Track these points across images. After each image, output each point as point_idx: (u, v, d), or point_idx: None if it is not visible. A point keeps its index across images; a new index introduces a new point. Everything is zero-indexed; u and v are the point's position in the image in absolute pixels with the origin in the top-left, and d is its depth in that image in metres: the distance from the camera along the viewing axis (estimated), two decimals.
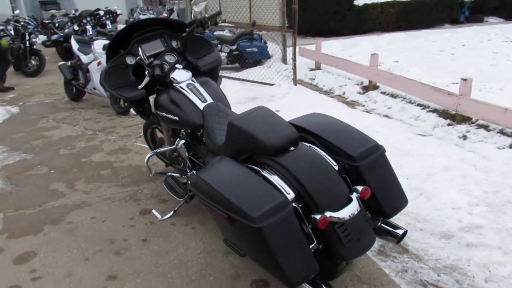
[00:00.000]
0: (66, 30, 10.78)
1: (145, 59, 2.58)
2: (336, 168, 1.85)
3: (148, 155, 2.93)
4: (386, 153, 1.95)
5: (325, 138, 1.94)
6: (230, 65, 8.53)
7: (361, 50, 8.45)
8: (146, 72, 2.53)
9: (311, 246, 1.70)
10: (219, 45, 8.40)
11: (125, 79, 2.63)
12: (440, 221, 2.61)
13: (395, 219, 2.56)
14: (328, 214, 1.65)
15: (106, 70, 2.62)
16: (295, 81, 6.20)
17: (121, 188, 3.27)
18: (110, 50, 2.70)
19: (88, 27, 10.01)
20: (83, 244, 2.53)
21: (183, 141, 2.65)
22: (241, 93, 6.22)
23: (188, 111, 2.47)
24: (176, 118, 2.49)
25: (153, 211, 2.82)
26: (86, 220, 2.81)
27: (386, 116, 4.90)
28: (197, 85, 2.58)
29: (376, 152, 1.87)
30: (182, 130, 2.66)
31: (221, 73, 7.56)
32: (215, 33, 8.64)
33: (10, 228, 2.75)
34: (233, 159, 2.02)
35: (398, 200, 1.90)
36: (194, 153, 2.68)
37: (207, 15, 2.96)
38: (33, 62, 8.50)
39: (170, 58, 2.74)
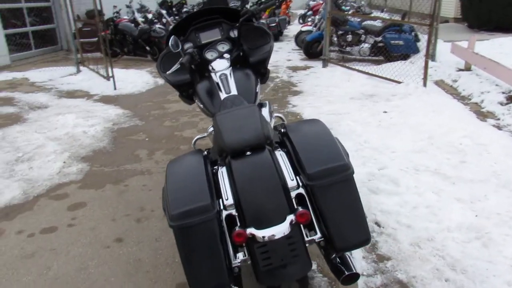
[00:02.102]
0: None
1: (180, 47, 2.68)
2: (293, 183, 1.64)
3: (195, 138, 3.08)
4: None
5: (296, 149, 1.74)
6: (373, 57, 8.01)
7: None
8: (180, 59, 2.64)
9: (239, 260, 1.58)
10: (363, 36, 7.97)
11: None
12: (483, 277, 2.04)
13: (421, 258, 2.16)
14: (250, 230, 1.51)
15: (163, 54, 2.83)
16: (425, 82, 5.46)
17: None
18: (170, 37, 2.89)
19: None
20: (120, 206, 2.88)
21: (211, 128, 2.71)
22: (361, 88, 5.83)
23: (211, 101, 2.49)
24: (201, 105, 2.56)
25: None
26: (138, 186, 3.17)
27: None
28: (229, 76, 2.57)
29: (339, 174, 1.58)
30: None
31: (356, 65, 7.17)
32: (364, 23, 8.18)
33: (85, 180, 3.32)
34: (218, 156, 2.00)
35: (354, 236, 1.57)
36: None
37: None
38: None
39: (222, 47, 2.79)
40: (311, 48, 8.53)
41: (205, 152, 1.96)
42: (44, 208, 2.90)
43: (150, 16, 11.49)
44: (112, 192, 3.09)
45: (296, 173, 1.68)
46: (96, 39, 9.46)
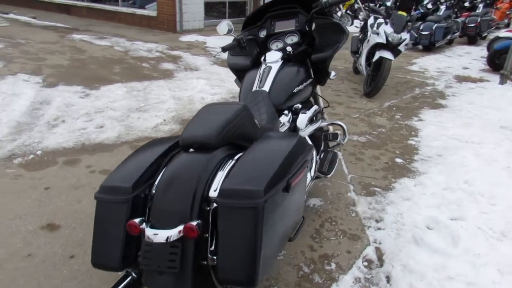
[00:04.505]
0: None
1: (227, 32, 2.61)
2: (214, 194, 1.49)
3: None
4: None
5: (241, 159, 1.57)
6: None
7: None
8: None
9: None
10: None
11: (249, 50, 2.78)
12: None
13: None
14: (143, 225, 1.46)
15: (237, 39, 2.84)
16: None
17: None
18: (248, 22, 2.86)
19: (443, 6, 9.48)
20: None
21: None
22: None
23: (246, 91, 2.42)
24: (239, 92, 2.51)
25: None
26: None
27: None
28: (273, 70, 2.42)
29: (246, 199, 1.36)
30: None
31: None
32: None
33: None
34: None
35: (236, 272, 1.34)
36: None
37: None
38: None
39: (291, 39, 2.65)
40: (498, 59, 7.08)
41: None
42: (120, 153, 3.36)
43: None
44: None
45: None
46: None
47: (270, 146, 1.66)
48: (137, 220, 1.47)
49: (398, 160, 3.43)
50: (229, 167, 1.59)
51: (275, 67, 2.44)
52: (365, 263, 2.20)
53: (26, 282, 1.97)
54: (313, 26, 2.62)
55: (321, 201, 2.75)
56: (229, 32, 2.58)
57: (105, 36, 8.73)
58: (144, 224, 1.47)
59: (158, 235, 1.41)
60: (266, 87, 2.33)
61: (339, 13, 10.92)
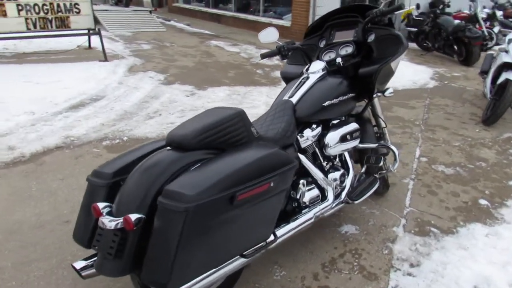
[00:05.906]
0: None
1: (271, 39, 2.51)
2: None
3: None
4: None
5: (202, 163, 1.56)
6: None
7: None
8: None
9: None
10: None
11: (298, 59, 2.69)
12: None
13: None
14: (105, 211, 1.55)
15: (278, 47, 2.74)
16: None
17: None
18: (311, 31, 2.74)
19: None
20: None
21: None
22: None
23: (278, 100, 2.33)
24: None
25: None
26: None
27: None
28: (309, 81, 2.28)
29: (175, 201, 1.33)
30: None
31: None
32: None
33: None
34: None
35: (154, 272, 1.32)
36: None
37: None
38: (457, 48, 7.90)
39: (346, 50, 2.48)
40: None
41: None
42: None
43: (499, 14, 9.84)
44: None
45: None
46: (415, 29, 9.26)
47: (235, 155, 1.59)
48: (101, 205, 1.57)
49: (483, 201, 2.85)
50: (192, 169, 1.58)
51: (313, 78, 2.31)
52: None
53: (52, 242, 2.27)
54: (372, 37, 2.40)
55: (356, 230, 2.47)
56: (272, 40, 2.53)
57: (238, 43, 9.36)
58: (105, 209, 1.56)
59: (109, 222, 1.47)
60: (295, 98, 2.22)
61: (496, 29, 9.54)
